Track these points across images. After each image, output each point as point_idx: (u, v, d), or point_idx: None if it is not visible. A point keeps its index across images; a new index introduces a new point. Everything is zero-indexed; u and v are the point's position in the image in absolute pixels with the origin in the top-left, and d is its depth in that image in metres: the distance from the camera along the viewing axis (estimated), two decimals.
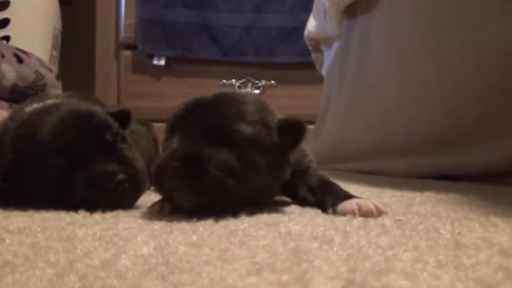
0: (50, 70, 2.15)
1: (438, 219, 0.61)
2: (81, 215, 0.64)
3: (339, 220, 0.59)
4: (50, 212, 0.66)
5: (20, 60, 1.98)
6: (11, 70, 1.92)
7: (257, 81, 2.39)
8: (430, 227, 0.55)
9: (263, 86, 2.37)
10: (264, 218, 0.61)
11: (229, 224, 0.56)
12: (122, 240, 0.47)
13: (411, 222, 0.58)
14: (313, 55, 2.06)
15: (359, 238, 0.48)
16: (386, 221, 0.58)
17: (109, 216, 0.63)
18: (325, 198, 0.69)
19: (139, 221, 0.58)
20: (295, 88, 2.37)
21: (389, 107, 1.41)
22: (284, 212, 0.66)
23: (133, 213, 0.66)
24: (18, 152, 0.71)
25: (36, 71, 2.03)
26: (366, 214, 0.62)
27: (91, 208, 0.66)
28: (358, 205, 0.63)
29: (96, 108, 0.76)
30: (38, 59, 2.10)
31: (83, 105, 0.75)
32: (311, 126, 1.85)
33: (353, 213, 0.63)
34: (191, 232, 0.51)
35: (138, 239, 0.47)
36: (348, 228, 0.53)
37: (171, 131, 0.65)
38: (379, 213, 0.63)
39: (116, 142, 0.73)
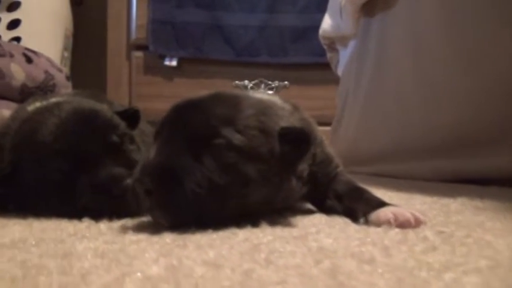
0: (60, 70, 2.10)
1: (485, 230, 0.54)
2: (85, 224, 0.58)
3: (374, 232, 0.52)
4: (51, 220, 0.60)
5: (29, 60, 1.94)
6: (20, 70, 1.87)
7: (270, 82, 2.34)
8: (481, 240, 0.48)
9: (276, 87, 2.32)
10: (289, 229, 0.54)
11: (251, 236, 0.49)
12: (127, 257, 0.40)
13: (456, 234, 0.51)
14: (328, 54, 2.00)
15: (404, 255, 0.41)
16: (428, 232, 0.51)
17: (115, 225, 0.57)
18: (356, 206, 0.62)
19: (149, 231, 0.52)
20: (309, 89, 2.32)
21: (410, 107, 1.34)
22: (310, 222, 0.59)
23: (142, 222, 0.59)
24: (18, 155, 0.65)
25: (46, 71, 1.99)
26: (403, 224, 0.55)
27: (96, 216, 0.60)
28: (393, 214, 0.56)
29: (102, 107, 0.69)
30: (47, 59, 2.06)
31: (87, 104, 0.69)
32: (327, 128, 1.79)
33: (388, 223, 0.56)
34: (207, 247, 0.44)
35: (147, 255, 0.41)
36: (386, 242, 0.46)
37: (155, 137, 0.58)
38: (417, 223, 0.56)
39: (124, 143, 0.66)
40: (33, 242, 0.46)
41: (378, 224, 0.56)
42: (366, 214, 0.59)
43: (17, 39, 2.18)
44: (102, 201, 0.60)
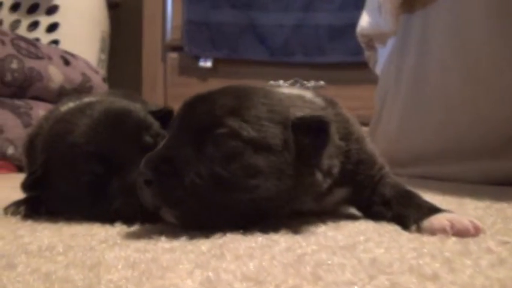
0: (97, 72, 2.12)
1: None
2: (117, 230, 0.55)
3: (429, 241, 0.47)
4: (81, 225, 0.57)
5: (66, 63, 1.96)
6: (58, 73, 1.89)
7: (305, 82, 2.30)
8: None
9: (312, 87, 2.28)
10: (334, 237, 0.49)
11: (293, 245, 0.45)
12: (160, 268, 0.37)
13: None
14: (366, 53, 1.95)
15: (470, 271, 0.36)
16: (490, 242, 0.46)
17: (148, 231, 0.53)
18: (406, 212, 0.57)
19: (183, 238, 0.48)
20: (345, 88, 2.27)
21: (457, 105, 1.27)
22: (356, 229, 0.55)
23: (176, 228, 0.55)
24: (49, 156, 0.63)
25: (83, 74, 2.00)
26: (460, 233, 0.50)
27: (128, 220, 0.57)
28: (449, 221, 0.51)
29: (135, 106, 0.66)
30: (84, 61, 2.08)
31: (119, 103, 0.66)
32: (364, 129, 1.73)
33: (444, 231, 0.50)
34: (247, 257, 0.40)
35: (181, 266, 0.37)
36: (447, 254, 0.41)
37: (167, 132, 0.56)
38: (477, 231, 0.51)
39: (157, 144, 0.63)
40: (61, 250, 0.43)
41: (432, 232, 0.51)
42: (417, 221, 0.54)
43: (56, 42, 2.21)
44: (134, 205, 0.57)
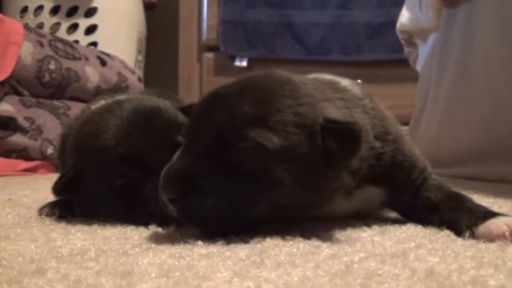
0: (133, 72, 2.13)
1: None
2: (151, 233, 0.52)
3: (487, 249, 0.43)
4: (116, 227, 0.55)
5: (103, 63, 1.97)
6: (95, 73, 1.91)
7: None
8: None
9: None
10: (381, 243, 0.46)
11: (338, 252, 0.42)
12: (195, 276, 0.34)
13: None
14: (406, 50, 1.89)
15: None
16: None
17: (184, 234, 0.50)
18: (457, 217, 0.52)
19: (221, 243, 0.46)
20: (384, 87, 2.21)
21: (505, 101, 1.21)
22: (405, 234, 0.51)
23: None
24: (80, 159, 0.61)
25: (119, 73, 2.02)
26: None
27: (163, 223, 0.55)
28: (508, 226, 0.47)
29: (165, 103, 0.63)
30: (121, 61, 2.09)
31: (149, 101, 0.63)
32: (404, 128, 1.68)
33: (503, 237, 0.46)
34: (289, 265, 0.37)
35: (218, 274, 0.35)
36: (510, 264, 0.37)
37: (183, 137, 0.52)
38: None
39: None
40: (93, 255, 0.41)
41: (490, 238, 0.47)
42: (471, 227, 0.50)
43: (94, 44, 2.23)
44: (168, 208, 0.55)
